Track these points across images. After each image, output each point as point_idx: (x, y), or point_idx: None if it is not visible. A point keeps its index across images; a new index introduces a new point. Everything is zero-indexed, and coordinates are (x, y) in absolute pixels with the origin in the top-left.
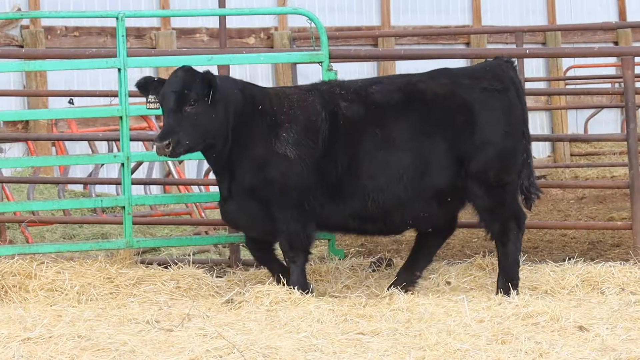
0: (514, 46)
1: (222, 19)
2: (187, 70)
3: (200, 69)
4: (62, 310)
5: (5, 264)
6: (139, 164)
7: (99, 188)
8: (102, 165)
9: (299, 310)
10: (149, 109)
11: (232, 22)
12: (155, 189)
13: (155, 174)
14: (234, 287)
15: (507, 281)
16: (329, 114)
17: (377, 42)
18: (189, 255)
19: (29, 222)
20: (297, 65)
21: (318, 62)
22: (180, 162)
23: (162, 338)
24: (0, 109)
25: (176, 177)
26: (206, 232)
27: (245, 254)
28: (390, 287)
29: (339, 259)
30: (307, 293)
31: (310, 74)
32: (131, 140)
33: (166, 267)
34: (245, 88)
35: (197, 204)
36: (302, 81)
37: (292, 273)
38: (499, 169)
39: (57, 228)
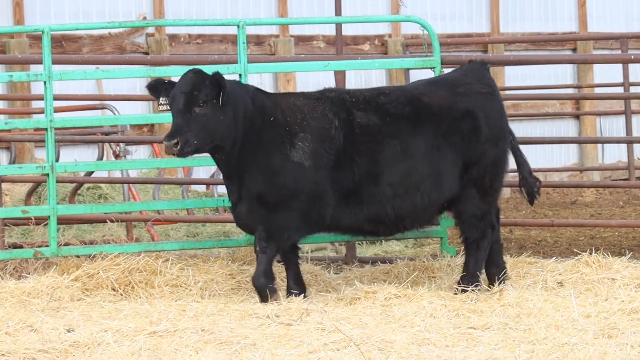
0: (619, 52)
1: (339, 26)
2: (197, 72)
3: (318, 75)
4: (186, 305)
5: (132, 261)
6: None
7: (221, 188)
8: None
9: (413, 305)
10: (160, 111)
11: (348, 30)
12: None
13: None
14: (350, 284)
15: (471, 282)
16: (343, 122)
17: (486, 49)
18: (307, 252)
19: (155, 221)
20: (410, 70)
21: (430, 68)
22: None
23: (281, 332)
24: (127, 113)
25: None
26: None
27: (361, 252)
28: (499, 283)
29: (451, 257)
30: (269, 286)
31: None
32: None
33: None
34: (255, 96)
35: None
36: None
37: (260, 263)
38: (493, 174)
39: (181, 227)
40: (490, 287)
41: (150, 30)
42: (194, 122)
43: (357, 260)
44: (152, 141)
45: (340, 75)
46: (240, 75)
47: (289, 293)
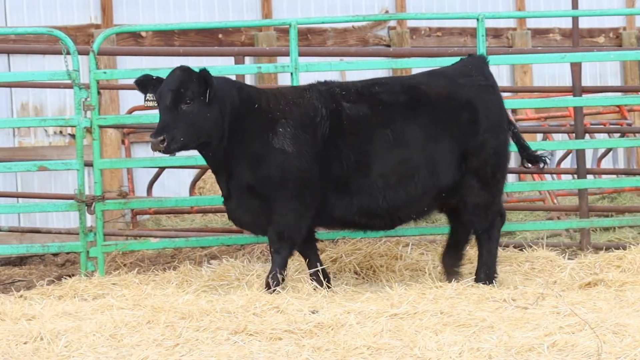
0: None
1: (575, 19)
2: (185, 69)
3: (553, 66)
4: (426, 288)
5: (374, 246)
6: None
7: None
8: None
9: None
10: (146, 107)
11: (583, 23)
12: (510, 177)
13: (511, 163)
14: (584, 270)
15: (489, 274)
16: (331, 112)
17: None
18: (542, 238)
19: None
20: None
21: None
22: None
23: (518, 315)
24: None
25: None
26: (558, 217)
27: (595, 238)
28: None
29: None
30: (276, 286)
31: None
32: None
33: (521, 250)
34: (242, 88)
35: (550, 191)
36: None
37: (273, 263)
38: (494, 164)
39: None
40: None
41: (392, 23)
42: (180, 119)
43: (592, 247)
44: None
45: (576, 67)
46: None
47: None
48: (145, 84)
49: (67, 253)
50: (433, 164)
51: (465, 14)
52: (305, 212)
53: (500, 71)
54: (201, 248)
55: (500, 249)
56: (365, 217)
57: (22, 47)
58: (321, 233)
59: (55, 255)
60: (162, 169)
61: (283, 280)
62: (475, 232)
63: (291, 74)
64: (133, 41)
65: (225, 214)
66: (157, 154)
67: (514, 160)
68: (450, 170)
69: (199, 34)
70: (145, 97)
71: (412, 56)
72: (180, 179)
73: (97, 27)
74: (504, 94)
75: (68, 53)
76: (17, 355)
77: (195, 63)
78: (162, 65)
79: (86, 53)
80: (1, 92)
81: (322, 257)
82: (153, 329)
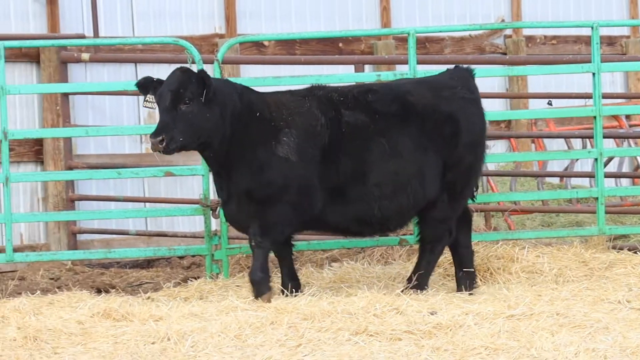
0: None
1: None
2: (185, 70)
3: None
4: (542, 290)
5: (491, 248)
6: (610, 158)
7: (573, 181)
8: (577, 160)
9: None
10: (145, 107)
11: None
12: (624, 182)
13: (625, 168)
14: None
15: (420, 285)
16: (330, 120)
17: None
18: None
19: (512, 211)
20: None
21: None
22: None
23: (632, 316)
24: (486, 110)
25: None
26: None
27: None
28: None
29: None
30: (263, 280)
31: None
32: (604, 137)
33: (635, 252)
34: (243, 93)
35: None
36: None
37: (256, 258)
38: (464, 180)
39: (536, 216)
40: None
41: (508, 31)
42: (179, 119)
43: None
44: (510, 136)
45: None
46: (593, 74)
47: (284, 288)
48: (145, 85)
49: (193, 256)
50: (422, 176)
51: (580, 23)
52: (295, 220)
53: (614, 78)
54: (322, 251)
55: (614, 252)
56: (358, 225)
57: (149, 56)
58: None
59: (181, 258)
60: None
61: (270, 274)
62: (422, 241)
63: None
64: (256, 50)
65: None
66: None
67: (627, 165)
68: (436, 183)
69: (319, 43)
70: (145, 98)
71: (528, 64)
72: None
73: (221, 36)
74: (618, 100)
75: (193, 62)
76: (145, 355)
77: (316, 71)
78: (284, 74)
79: (211, 62)
80: (129, 100)
81: (441, 259)
82: (276, 330)
